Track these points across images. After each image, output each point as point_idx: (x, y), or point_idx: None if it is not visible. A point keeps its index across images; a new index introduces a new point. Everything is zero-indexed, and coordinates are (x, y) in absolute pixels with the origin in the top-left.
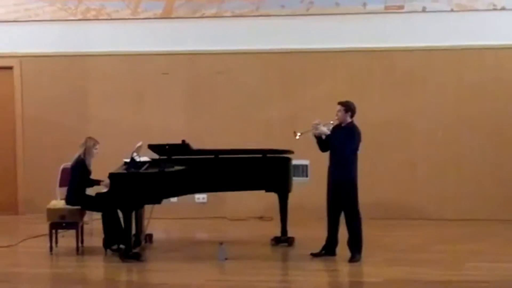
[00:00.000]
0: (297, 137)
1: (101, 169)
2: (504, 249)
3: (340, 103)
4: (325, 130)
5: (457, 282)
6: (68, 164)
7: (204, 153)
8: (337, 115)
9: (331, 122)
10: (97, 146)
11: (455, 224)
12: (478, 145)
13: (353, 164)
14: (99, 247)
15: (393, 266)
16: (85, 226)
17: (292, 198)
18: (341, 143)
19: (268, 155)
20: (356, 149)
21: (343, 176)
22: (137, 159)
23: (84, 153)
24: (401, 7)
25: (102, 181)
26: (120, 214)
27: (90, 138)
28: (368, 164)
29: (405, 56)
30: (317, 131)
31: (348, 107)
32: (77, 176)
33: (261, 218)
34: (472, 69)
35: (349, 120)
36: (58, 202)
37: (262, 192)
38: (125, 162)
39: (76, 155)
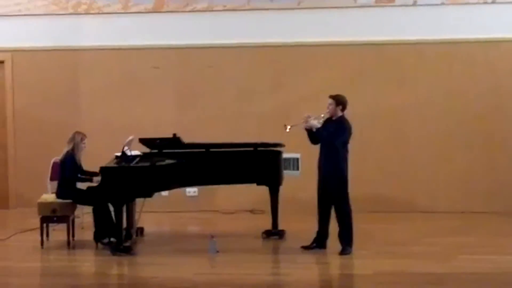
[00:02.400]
0: (287, 130)
1: (93, 163)
2: (495, 241)
3: (331, 97)
4: (316, 123)
5: (448, 274)
6: (59, 158)
7: (195, 146)
8: (328, 108)
9: (322, 115)
10: (85, 140)
11: (445, 217)
12: (468, 138)
13: (343, 157)
14: (90, 241)
15: (384, 259)
16: (76, 220)
17: (283, 191)
18: (331, 137)
19: (259, 149)
20: (346, 142)
21: (333, 170)
22: (128, 153)
23: (73, 148)
24: (392, 0)
25: (92, 179)
26: (111, 208)
27: (77, 132)
28: (359, 157)
29: (396, 49)
30: (307, 124)
31: (339, 101)
32: (66, 171)
33: (252, 211)
34: (463, 62)
35: (340, 113)
36: (49, 196)
37: (253, 185)
38: (116, 156)
39: (64, 150)
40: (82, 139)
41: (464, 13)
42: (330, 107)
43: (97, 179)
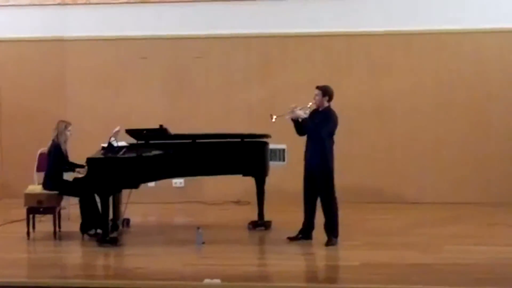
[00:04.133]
0: (273, 120)
1: (79, 153)
2: (483, 232)
3: (318, 87)
4: (302, 113)
5: (436, 265)
6: (45, 149)
7: (181, 137)
8: (314, 99)
9: (308, 105)
10: (70, 128)
11: (433, 208)
12: (456, 129)
13: (329, 148)
14: (76, 232)
15: (371, 250)
16: (62, 211)
17: (269, 182)
18: (317, 128)
19: (245, 140)
20: (332, 133)
21: (319, 161)
22: (115, 144)
23: (57, 136)
24: None
25: (80, 168)
26: (98, 199)
27: (61, 121)
28: (346, 148)
29: (384, 40)
30: (293, 115)
31: (326, 91)
32: (53, 161)
33: (238, 202)
34: (451, 53)
35: (326, 104)
36: (36, 187)
37: (239, 176)
38: (103, 147)
39: (50, 141)
40: (66, 127)
41: (452, 4)
42: (317, 97)
43: (82, 170)
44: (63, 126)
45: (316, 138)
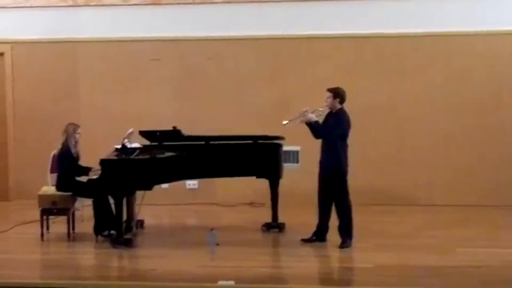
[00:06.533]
0: (285, 123)
1: (92, 155)
2: (494, 234)
3: (329, 90)
4: (313, 116)
5: (448, 267)
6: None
7: (195, 139)
8: (326, 101)
9: (320, 108)
10: (79, 130)
11: (444, 210)
12: (467, 130)
13: (342, 150)
14: (90, 233)
15: (384, 252)
16: (76, 212)
17: (283, 184)
18: (329, 131)
19: (259, 141)
20: (346, 135)
21: (332, 163)
22: (128, 145)
23: (66, 139)
24: None
25: (91, 169)
26: (111, 200)
27: (70, 124)
28: (358, 150)
29: (395, 42)
30: (305, 118)
31: (337, 94)
32: (64, 164)
33: (252, 204)
34: (461, 54)
35: (338, 106)
36: (49, 188)
37: (253, 178)
38: (116, 149)
39: (59, 144)
40: (74, 130)
41: (462, 5)
42: (328, 100)
43: (94, 171)
44: (71, 129)
45: (329, 141)
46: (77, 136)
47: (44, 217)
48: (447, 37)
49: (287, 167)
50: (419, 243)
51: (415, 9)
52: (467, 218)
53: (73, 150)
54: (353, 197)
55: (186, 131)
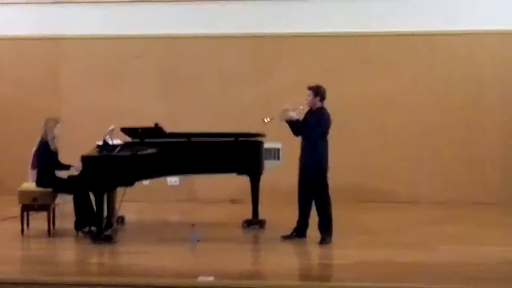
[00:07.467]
0: (265, 121)
1: (74, 151)
2: (477, 231)
3: (309, 88)
4: (294, 115)
5: (430, 264)
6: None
7: (176, 136)
8: (306, 99)
9: (301, 107)
10: (58, 126)
11: (427, 207)
12: (451, 128)
13: (322, 148)
14: (70, 229)
15: (365, 249)
16: (56, 208)
17: (264, 181)
18: (309, 129)
19: (240, 139)
20: (326, 133)
21: (312, 160)
22: (110, 142)
23: (45, 134)
24: None
25: (72, 166)
26: (92, 197)
27: (49, 119)
28: (341, 147)
29: (379, 41)
30: (285, 117)
31: (317, 91)
32: (42, 159)
33: (232, 201)
34: (444, 54)
35: (318, 104)
36: (30, 185)
37: (234, 175)
38: (98, 145)
39: (38, 139)
40: (54, 125)
41: (446, 5)
42: (308, 98)
43: (75, 167)
44: (51, 124)
45: (309, 139)
46: (56, 131)
47: (25, 213)
48: (430, 36)
49: (268, 164)
50: (402, 239)
51: (399, 8)
52: (451, 215)
53: (51, 145)
54: (336, 194)
55: (169, 128)
